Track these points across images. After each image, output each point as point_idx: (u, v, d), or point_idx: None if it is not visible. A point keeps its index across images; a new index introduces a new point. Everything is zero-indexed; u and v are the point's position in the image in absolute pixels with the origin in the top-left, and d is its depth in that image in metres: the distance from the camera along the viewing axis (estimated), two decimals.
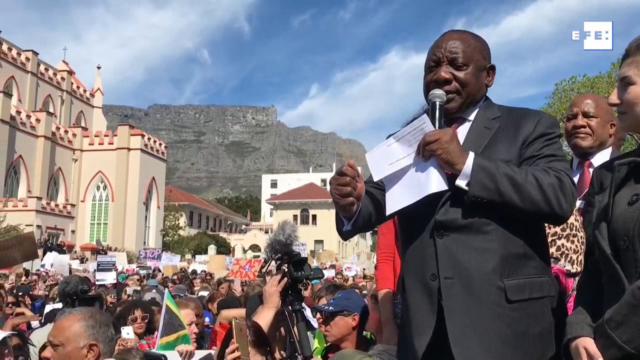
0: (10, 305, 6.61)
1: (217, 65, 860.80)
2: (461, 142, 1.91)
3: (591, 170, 2.60)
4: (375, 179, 1.97)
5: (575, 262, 2.28)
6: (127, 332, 4.26)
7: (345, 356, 2.06)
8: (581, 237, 2.30)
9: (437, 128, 1.85)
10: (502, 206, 1.77)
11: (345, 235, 2.02)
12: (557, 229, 2.28)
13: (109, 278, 11.53)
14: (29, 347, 4.07)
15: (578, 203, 2.58)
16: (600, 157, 2.72)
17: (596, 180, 1.81)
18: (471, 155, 1.80)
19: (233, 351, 2.36)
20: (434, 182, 1.82)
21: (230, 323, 2.45)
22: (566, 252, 2.29)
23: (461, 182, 1.80)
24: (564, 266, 2.24)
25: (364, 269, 19.97)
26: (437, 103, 1.92)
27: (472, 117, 2.03)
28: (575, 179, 2.79)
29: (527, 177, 1.77)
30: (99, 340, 2.28)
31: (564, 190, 1.79)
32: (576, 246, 2.30)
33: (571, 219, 2.32)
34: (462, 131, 2.00)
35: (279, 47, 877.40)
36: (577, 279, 2.27)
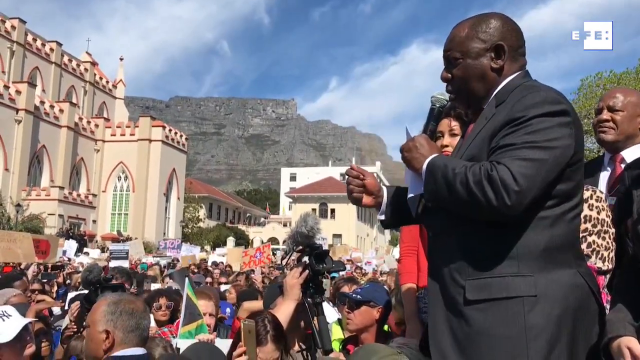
0: (36, 292, 6.72)
1: (237, 57, 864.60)
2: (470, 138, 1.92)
3: (623, 165, 2.54)
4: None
5: (607, 259, 2.22)
6: None
7: (376, 351, 2.03)
8: (612, 233, 2.24)
9: (427, 133, 1.93)
10: (448, 206, 1.77)
11: (382, 223, 2.18)
12: (588, 225, 2.22)
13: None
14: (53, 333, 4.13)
15: (610, 199, 2.52)
16: (633, 152, 2.65)
17: (627, 175, 1.75)
18: (429, 158, 1.80)
19: (240, 354, 2.31)
20: (409, 189, 1.93)
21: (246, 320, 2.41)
22: (597, 249, 2.23)
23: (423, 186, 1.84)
24: (595, 263, 2.19)
25: (382, 263, 19.79)
26: (435, 108, 1.97)
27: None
28: (607, 175, 2.74)
29: (458, 175, 1.69)
30: (117, 328, 2.27)
31: (492, 183, 1.61)
32: (607, 243, 2.24)
33: (602, 215, 2.26)
34: None
35: (298, 39, 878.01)
36: (607, 276, 2.23)
